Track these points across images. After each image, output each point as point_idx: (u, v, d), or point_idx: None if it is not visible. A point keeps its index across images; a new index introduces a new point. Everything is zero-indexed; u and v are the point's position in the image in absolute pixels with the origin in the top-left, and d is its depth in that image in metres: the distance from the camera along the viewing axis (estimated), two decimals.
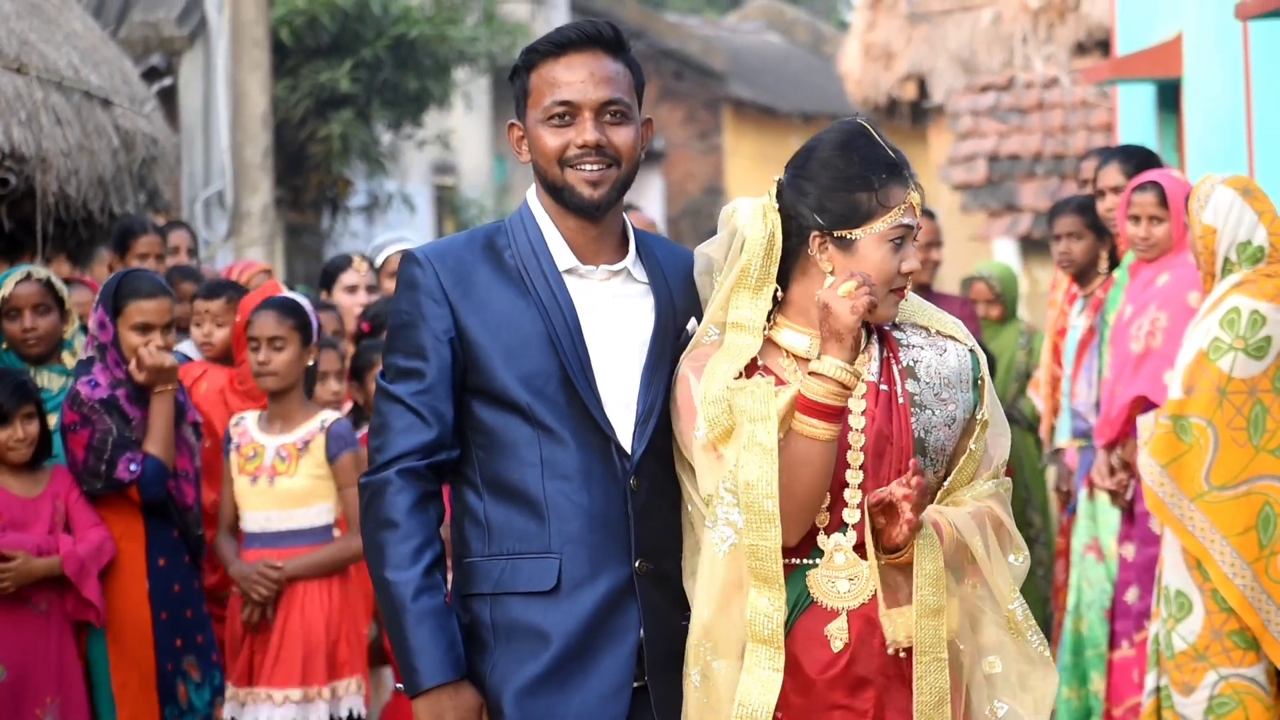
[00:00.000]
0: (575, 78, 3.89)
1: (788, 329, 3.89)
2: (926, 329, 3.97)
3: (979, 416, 3.93)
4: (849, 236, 3.81)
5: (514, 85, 4.02)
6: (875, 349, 3.91)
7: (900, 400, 3.85)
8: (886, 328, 3.95)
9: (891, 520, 3.72)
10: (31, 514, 6.30)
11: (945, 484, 3.92)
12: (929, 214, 9.14)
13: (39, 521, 6.31)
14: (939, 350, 3.94)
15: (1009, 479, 4.01)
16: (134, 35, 13.32)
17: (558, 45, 3.92)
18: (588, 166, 3.89)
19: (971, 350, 3.96)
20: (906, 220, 3.83)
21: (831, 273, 3.82)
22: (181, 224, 9.72)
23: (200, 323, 7.41)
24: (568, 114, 3.90)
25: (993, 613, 3.88)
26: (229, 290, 7.50)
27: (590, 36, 3.92)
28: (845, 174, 3.82)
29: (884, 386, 3.86)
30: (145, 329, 6.45)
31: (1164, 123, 11.56)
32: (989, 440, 3.94)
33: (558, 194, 3.93)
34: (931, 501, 3.87)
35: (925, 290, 9.06)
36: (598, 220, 3.94)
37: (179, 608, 6.54)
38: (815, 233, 3.83)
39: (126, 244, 8.31)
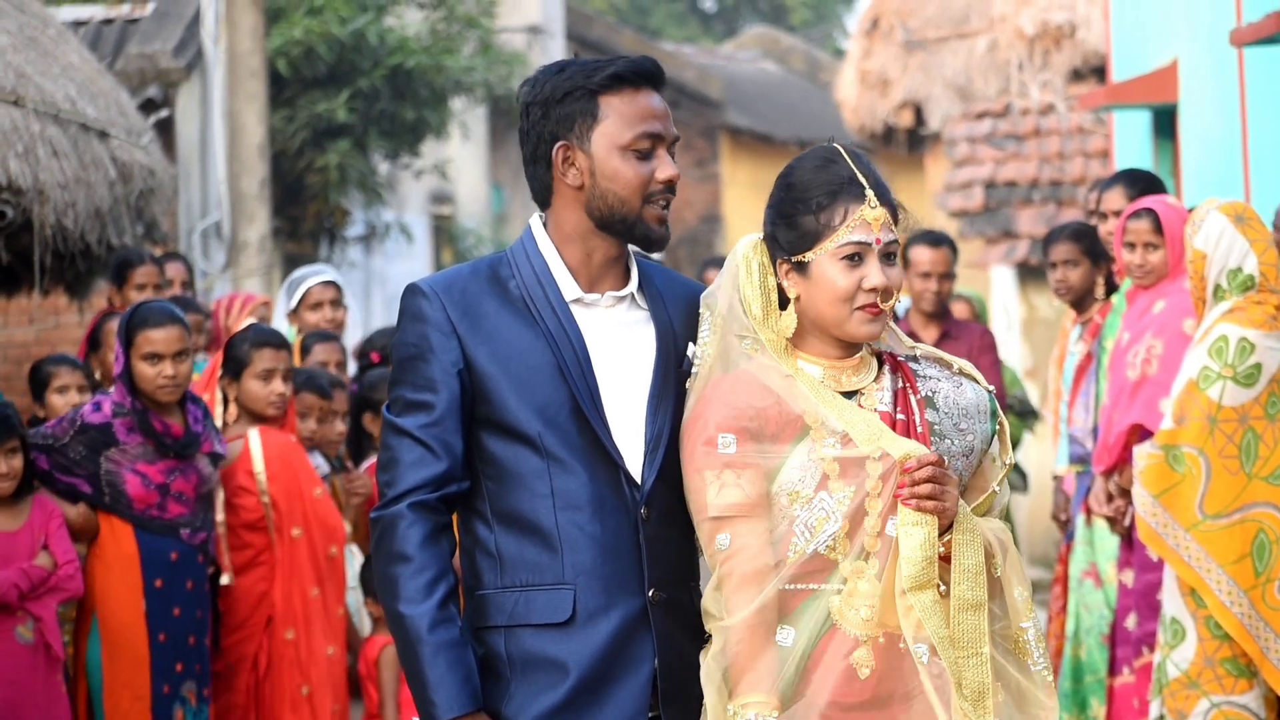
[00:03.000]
0: (659, 111, 3.87)
1: (803, 360, 3.89)
2: (947, 365, 3.97)
3: (1007, 461, 3.93)
4: (804, 260, 3.84)
5: (563, 104, 3.87)
6: (887, 378, 3.91)
7: (919, 429, 3.85)
8: (901, 358, 3.95)
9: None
10: (13, 548, 6.30)
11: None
12: (943, 243, 8.93)
13: (21, 555, 6.30)
14: (956, 384, 3.94)
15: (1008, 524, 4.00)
16: (130, 67, 13.31)
17: (639, 74, 3.88)
18: (663, 203, 3.88)
19: (989, 392, 3.97)
20: (858, 236, 3.81)
21: (798, 298, 3.85)
22: (177, 255, 9.72)
23: None
24: (652, 147, 3.86)
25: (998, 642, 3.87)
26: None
27: (655, 73, 3.90)
28: (789, 199, 3.86)
29: (900, 416, 3.86)
30: (155, 358, 6.50)
31: (1160, 149, 11.58)
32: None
33: (622, 223, 3.88)
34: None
35: (944, 317, 8.93)
36: (647, 250, 3.94)
37: (179, 632, 6.52)
38: (780, 259, 3.87)
39: (124, 275, 8.33)
